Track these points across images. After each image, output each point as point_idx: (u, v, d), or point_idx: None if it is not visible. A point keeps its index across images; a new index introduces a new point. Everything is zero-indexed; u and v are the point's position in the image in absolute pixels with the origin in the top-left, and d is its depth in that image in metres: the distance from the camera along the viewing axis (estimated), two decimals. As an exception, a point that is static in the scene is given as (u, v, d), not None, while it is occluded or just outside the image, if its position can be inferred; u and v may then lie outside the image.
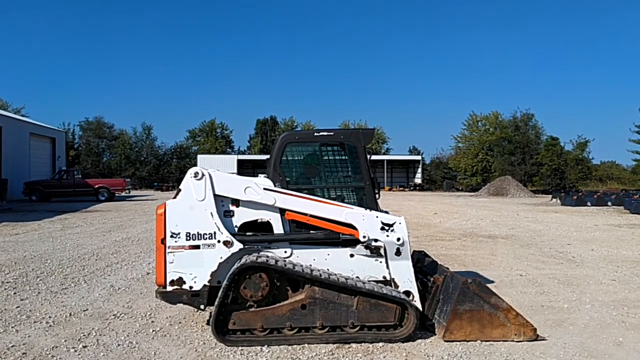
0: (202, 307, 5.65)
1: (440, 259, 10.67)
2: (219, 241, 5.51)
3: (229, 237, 5.51)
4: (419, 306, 5.66)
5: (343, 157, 6.04)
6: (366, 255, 5.71)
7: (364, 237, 5.66)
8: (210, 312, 5.56)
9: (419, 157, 66.92)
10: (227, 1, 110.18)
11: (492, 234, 15.53)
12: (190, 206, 5.55)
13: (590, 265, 10.15)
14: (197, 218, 5.53)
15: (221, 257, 5.51)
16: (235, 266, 5.35)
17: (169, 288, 5.51)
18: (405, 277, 5.72)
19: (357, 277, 5.67)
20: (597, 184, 56.30)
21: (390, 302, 5.45)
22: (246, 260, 5.37)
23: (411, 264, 5.80)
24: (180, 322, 6.17)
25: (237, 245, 5.52)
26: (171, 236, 5.51)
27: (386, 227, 5.72)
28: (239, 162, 57.31)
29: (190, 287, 5.52)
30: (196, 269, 5.52)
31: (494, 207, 28.35)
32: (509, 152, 57.74)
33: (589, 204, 30.30)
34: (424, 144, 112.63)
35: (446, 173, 66.55)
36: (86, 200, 31.07)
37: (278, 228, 5.73)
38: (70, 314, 6.52)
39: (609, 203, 30.22)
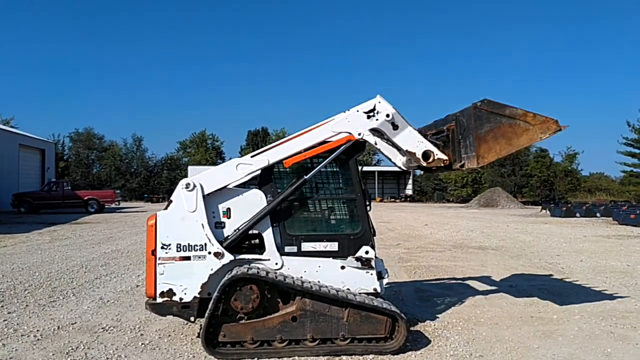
0: (192, 319, 5.61)
1: (431, 270, 10.73)
2: (209, 252, 5.50)
3: (220, 249, 5.50)
4: None
5: (334, 169, 6.06)
6: (357, 267, 5.72)
7: (359, 134, 5.76)
8: (201, 325, 5.53)
9: (409, 169, 67.09)
10: (219, 11, 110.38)
11: (483, 245, 15.59)
12: (181, 217, 5.54)
13: (579, 276, 10.22)
14: (188, 229, 5.52)
15: (212, 269, 5.50)
16: (225, 278, 5.33)
17: (159, 300, 5.48)
18: (413, 143, 5.81)
19: (348, 289, 5.68)
20: (586, 195, 56.78)
21: (381, 315, 5.45)
22: (237, 271, 5.36)
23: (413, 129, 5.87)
24: (169, 335, 6.13)
25: (228, 257, 5.51)
26: (162, 247, 5.49)
27: (371, 113, 5.78)
28: (230, 173, 56.96)
29: (181, 299, 5.49)
30: (186, 281, 5.49)
31: (484, 219, 28.48)
32: (498, 164, 58.12)
33: (578, 215, 30.52)
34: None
35: (437, 184, 66.83)
36: (75, 212, 30.86)
37: (269, 240, 5.72)
38: (58, 327, 6.46)
39: (598, 214, 30.45)
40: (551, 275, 10.33)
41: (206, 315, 5.21)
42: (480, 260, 12.24)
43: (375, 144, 5.96)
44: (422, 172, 55.11)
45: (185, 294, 5.49)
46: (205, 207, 5.57)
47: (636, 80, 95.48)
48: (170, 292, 5.48)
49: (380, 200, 58.77)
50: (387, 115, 5.77)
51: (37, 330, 6.32)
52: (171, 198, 5.64)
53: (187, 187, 5.57)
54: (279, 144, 5.86)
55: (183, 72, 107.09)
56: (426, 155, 5.82)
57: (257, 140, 71.17)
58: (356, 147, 5.99)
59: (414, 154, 5.82)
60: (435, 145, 5.93)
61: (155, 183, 62.84)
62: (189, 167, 56.71)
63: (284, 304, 5.53)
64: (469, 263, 11.83)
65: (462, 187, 61.36)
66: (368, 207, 5.99)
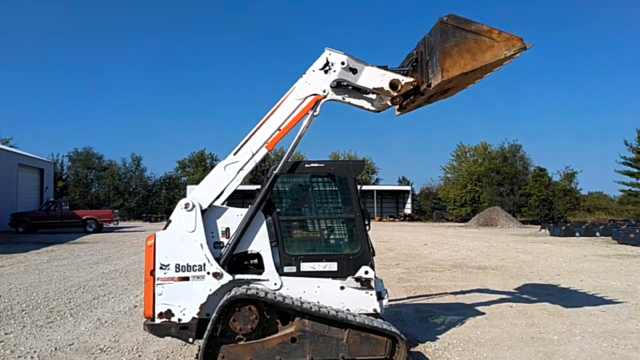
0: (190, 340, 5.56)
1: (431, 290, 10.67)
2: (208, 273, 5.47)
3: (219, 269, 5.48)
4: None
5: (333, 189, 6.07)
6: (356, 288, 5.69)
7: (324, 91, 5.84)
8: (199, 346, 5.48)
9: (408, 188, 67.25)
10: (219, 30, 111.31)
11: (482, 265, 15.54)
12: (180, 237, 5.53)
13: (579, 296, 10.17)
14: (187, 249, 5.50)
15: (210, 289, 5.47)
16: (224, 298, 5.31)
17: (158, 320, 5.44)
18: (376, 78, 5.89)
19: (348, 309, 5.64)
20: (585, 214, 56.78)
21: (381, 335, 5.41)
22: (235, 292, 5.33)
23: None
24: (168, 357, 6.08)
25: (227, 277, 5.48)
26: (160, 267, 5.47)
27: (326, 67, 5.84)
28: (229, 192, 57.00)
29: (179, 320, 5.45)
30: (185, 301, 5.46)
31: (483, 238, 28.42)
32: (497, 183, 58.25)
33: (577, 234, 30.48)
34: (413, 175, 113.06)
35: (436, 203, 66.83)
36: (74, 231, 30.76)
37: (268, 260, 5.70)
38: (55, 349, 6.40)
39: (597, 233, 30.41)
40: (551, 295, 10.28)
41: (205, 336, 5.17)
42: (480, 280, 12.19)
43: (344, 99, 6.07)
44: (417, 196, 54.62)
45: (183, 314, 5.45)
46: (204, 227, 5.57)
47: (633, 100, 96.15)
48: (168, 313, 5.44)
49: (379, 220, 58.68)
50: (342, 63, 5.84)
51: (35, 352, 6.26)
52: (170, 218, 5.64)
53: (186, 207, 5.56)
54: (255, 132, 5.88)
55: (182, 93, 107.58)
56: (393, 84, 5.89)
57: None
58: (356, 167, 6.02)
59: (382, 88, 5.89)
60: (404, 73, 5.99)
61: (154, 202, 62.76)
62: (188, 187, 56.74)
63: (283, 324, 5.50)
64: (468, 283, 11.78)
65: (461, 206, 61.35)
66: (367, 227, 5.98)
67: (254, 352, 5.31)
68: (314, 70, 5.89)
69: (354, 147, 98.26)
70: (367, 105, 6.32)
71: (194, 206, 5.56)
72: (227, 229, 5.72)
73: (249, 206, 5.76)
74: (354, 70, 5.88)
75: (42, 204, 36.00)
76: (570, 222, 39.18)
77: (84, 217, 31.98)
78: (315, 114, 5.87)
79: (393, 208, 68.48)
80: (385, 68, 6.00)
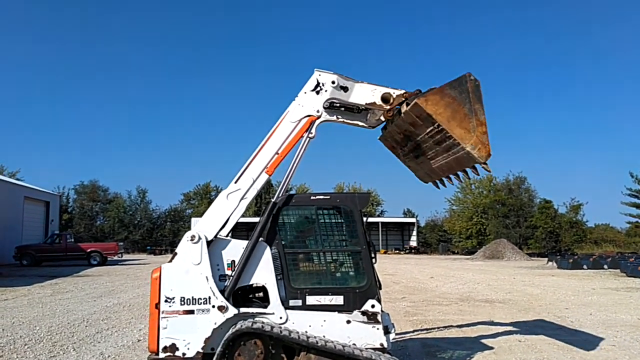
0: (194, 375, 5.49)
1: (438, 324, 10.54)
2: (213, 306, 5.44)
3: (224, 302, 5.44)
4: None
5: (339, 221, 6.07)
6: (363, 322, 5.63)
7: (317, 111, 5.91)
8: (203, 381, 5.40)
9: (413, 220, 66.97)
10: (223, 62, 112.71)
11: (490, 298, 15.35)
12: (185, 270, 5.52)
13: (589, 330, 10.00)
14: (193, 282, 5.48)
15: (215, 323, 5.42)
16: (229, 332, 5.26)
17: (162, 355, 5.38)
18: (367, 94, 6.00)
19: (354, 344, 5.57)
20: (592, 246, 56.31)
21: (387, 370, 5.33)
22: (241, 326, 5.29)
23: None
24: (171, 392, 5.97)
25: (232, 311, 5.44)
26: (165, 301, 5.44)
27: (317, 88, 5.92)
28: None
29: (184, 354, 5.39)
30: (190, 335, 5.41)
31: (490, 271, 28.14)
32: (503, 215, 57.96)
33: (585, 267, 30.15)
34: (418, 207, 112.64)
35: (441, 236, 66.44)
36: (78, 264, 30.66)
37: (274, 294, 5.66)
38: (57, 384, 6.31)
39: (605, 266, 30.07)
40: (561, 329, 10.12)
41: (209, 371, 5.10)
42: (487, 314, 12.03)
43: (337, 119, 6.09)
44: (418, 222, 54.26)
45: (188, 349, 5.40)
46: (210, 260, 5.56)
47: (638, 131, 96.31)
48: (173, 347, 5.39)
49: (385, 252, 58.27)
50: (333, 82, 5.92)
51: (36, 387, 6.17)
52: (176, 250, 5.64)
53: (192, 240, 5.57)
54: (253, 159, 5.90)
55: (187, 126, 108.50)
56: (385, 98, 5.96)
57: (261, 192, 71.24)
58: (362, 199, 6.03)
59: (374, 102, 5.96)
60: (395, 89, 6.03)
61: (159, 235, 62.69)
62: (193, 219, 56.66)
63: (288, 359, 5.42)
64: (476, 317, 11.62)
65: (467, 238, 60.95)
66: (373, 260, 5.95)
67: (259, 387, 5.23)
68: (305, 92, 5.98)
69: (358, 179, 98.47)
70: (361, 122, 6.32)
71: (200, 238, 5.57)
72: (233, 262, 5.70)
73: (262, 241, 5.77)
74: (344, 88, 5.98)
75: (47, 236, 36.00)
76: (577, 255, 38.84)
77: (89, 250, 31.91)
78: (310, 135, 5.93)
79: (398, 240, 68.07)
80: (375, 84, 6.09)
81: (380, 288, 5.91)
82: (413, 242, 64.19)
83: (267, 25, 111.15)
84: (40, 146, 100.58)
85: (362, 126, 6.36)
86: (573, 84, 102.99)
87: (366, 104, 6.02)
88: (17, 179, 51.19)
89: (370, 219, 58.03)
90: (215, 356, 5.16)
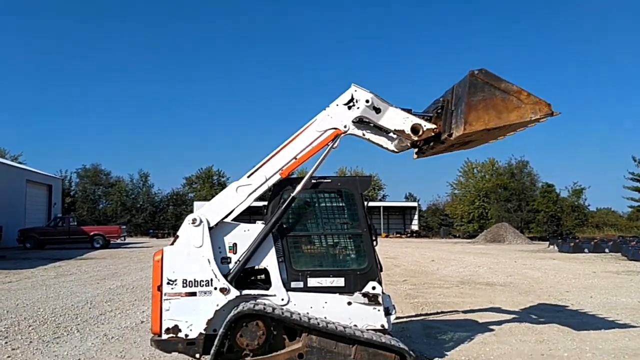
0: (197, 356, 5.55)
1: (438, 306, 10.60)
2: (215, 288, 5.48)
3: (226, 284, 5.48)
4: None
5: (340, 204, 6.08)
6: (364, 303, 5.67)
7: (345, 126, 5.84)
8: (206, 362, 5.46)
9: (415, 204, 67.07)
10: (228, 43, 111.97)
11: (490, 281, 15.42)
12: (187, 252, 5.55)
13: (589, 312, 10.06)
14: (194, 264, 5.51)
15: (217, 305, 5.47)
16: (231, 314, 5.30)
17: (164, 336, 5.44)
18: (399, 120, 5.89)
19: (355, 325, 5.61)
20: (594, 230, 56.35)
21: (389, 352, 5.38)
22: (243, 307, 5.32)
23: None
24: (174, 372, 6.05)
25: (234, 293, 5.48)
26: (168, 283, 5.48)
27: (350, 103, 5.84)
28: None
29: (186, 335, 5.45)
30: (192, 317, 5.46)
31: (491, 254, 28.24)
32: (505, 199, 57.99)
33: (586, 250, 30.22)
34: (419, 191, 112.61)
35: (443, 220, 66.57)
36: (81, 247, 30.84)
37: (275, 276, 5.70)
38: (62, 364, 6.39)
39: (606, 250, 30.13)
40: (561, 311, 10.18)
41: (212, 352, 5.16)
42: (488, 297, 12.09)
43: (363, 135, 6.04)
44: (423, 215, 54.42)
45: (190, 330, 5.45)
46: (212, 242, 5.58)
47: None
48: (175, 329, 5.44)
49: (386, 236, 58.44)
50: (367, 101, 5.83)
51: (41, 368, 6.25)
52: (178, 233, 5.66)
53: (193, 223, 5.59)
54: (271, 157, 5.89)
55: (190, 108, 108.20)
56: (415, 129, 5.87)
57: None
58: (363, 183, 6.04)
59: (403, 130, 5.87)
60: (427, 118, 5.98)
61: (161, 219, 62.94)
62: (195, 203, 56.81)
63: (290, 340, 5.48)
64: (476, 299, 11.68)
65: (469, 222, 61.08)
66: (374, 243, 5.97)
67: (261, 368, 5.29)
68: (337, 105, 5.90)
69: (360, 163, 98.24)
70: (387, 144, 6.28)
71: (201, 221, 5.59)
72: (235, 245, 5.73)
73: (263, 225, 5.79)
74: (377, 110, 5.88)
75: (50, 220, 36.15)
76: (578, 238, 38.89)
77: (92, 233, 32.09)
78: (334, 146, 5.89)
79: (400, 224, 68.24)
80: (409, 111, 6.01)
81: (381, 270, 5.94)
82: (414, 226, 64.36)
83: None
84: (42, 130, 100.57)
85: (387, 148, 6.32)
86: (575, 63, 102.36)
87: (395, 130, 5.94)
88: (20, 163, 51.29)
89: (372, 203, 58.12)
90: (218, 337, 5.21)
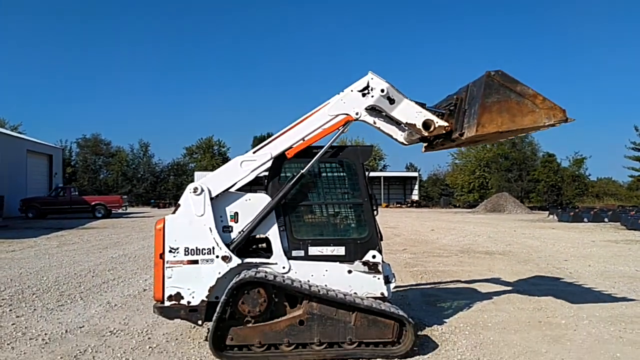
0: (199, 322, 5.63)
1: (438, 275, 10.71)
2: (217, 256, 5.52)
3: (227, 252, 5.52)
4: None
5: (341, 174, 6.08)
6: (364, 272, 5.72)
7: (357, 114, 5.78)
8: (208, 328, 5.54)
9: (415, 174, 67.12)
10: (226, 14, 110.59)
11: (489, 250, 15.54)
12: (189, 221, 5.57)
13: (587, 281, 10.16)
14: (196, 233, 5.54)
15: (219, 272, 5.52)
16: (233, 281, 5.35)
17: (167, 303, 5.50)
18: (412, 114, 5.81)
19: (355, 293, 5.67)
20: (594, 200, 56.51)
21: (388, 319, 5.45)
22: (244, 275, 5.37)
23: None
24: (177, 339, 6.15)
25: (236, 261, 5.53)
26: (170, 251, 5.52)
27: (365, 91, 5.79)
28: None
29: (188, 303, 5.51)
30: (194, 284, 5.52)
31: (491, 224, 28.38)
32: (505, 169, 57.97)
33: (585, 220, 30.36)
34: (420, 161, 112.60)
35: (443, 190, 66.68)
36: (83, 217, 31.00)
37: (277, 244, 5.73)
38: (66, 331, 6.49)
39: (606, 219, 30.28)
40: (559, 280, 10.29)
41: (214, 318, 5.22)
42: (487, 265, 12.20)
43: (374, 123, 5.98)
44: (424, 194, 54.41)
45: (193, 297, 5.51)
46: (213, 211, 5.60)
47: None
48: (178, 296, 5.50)
49: (387, 206, 58.64)
50: (382, 91, 5.77)
51: (45, 334, 6.35)
52: (179, 202, 5.68)
53: (194, 192, 5.59)
54: (279, 136, 5.88)
55: (189, 77, 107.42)
56: (426, 124, 5.81)
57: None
58: (364, 153, 6.02)
59: (414, 125, 5.82)
60: (440, 115, 5.95)
61: (162, 189, 63.04)
62: (196, 173, 56.75)
63: (291, 307, 5.54)
64: (475, 268, 11.79)
65: (469, 192, 61.14)
66: (375, 212, 5.99)
67: (263, 334, 5.37)
68: (352, 90, 5.82)
69: (361, 134, 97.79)
70: (397, 135, 6.20)
71: (202, 190, 5.60)
72: (236, 214, 5.76)
73: (264, 194, 5.80)
74: (391, 100, 5.80)
75: (51, 189, 36.24)
76: (578, 208, 39.00)
77: (93, 203, 32.19)
78: (344, 131, 5.84)
79: (400, 194, 68.40)
80: (422, 105, 5.93)
81: (381, 239, 5.97)
82: (415, 197, 64.50)
83: None
84: (41, 99, 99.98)
85: (395, 139, 6.24)
86: (577, 29, 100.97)
87: (406, 123, 5.85)
88: (20, 132, 51.14)
89: (373, 174, 57.76)
90: (220, 304, 5.27)
